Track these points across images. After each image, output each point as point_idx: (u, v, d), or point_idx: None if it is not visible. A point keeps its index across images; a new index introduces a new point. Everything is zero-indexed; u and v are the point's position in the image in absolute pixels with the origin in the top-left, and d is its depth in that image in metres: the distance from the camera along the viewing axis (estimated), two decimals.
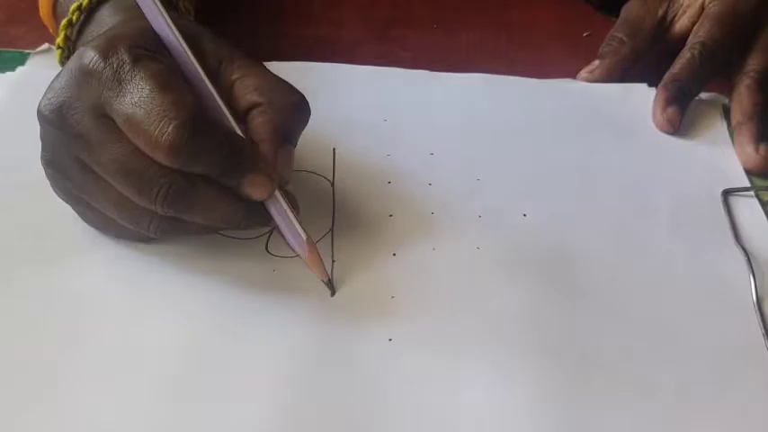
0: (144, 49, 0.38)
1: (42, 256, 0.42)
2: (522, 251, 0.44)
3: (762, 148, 0.50)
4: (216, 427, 0.35)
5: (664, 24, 0.57)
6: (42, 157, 0.40)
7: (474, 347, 0.39)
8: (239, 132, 0.39)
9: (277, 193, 0.39)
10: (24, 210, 0.44)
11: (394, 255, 0.43)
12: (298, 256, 0.41)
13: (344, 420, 0.36)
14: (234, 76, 0.40)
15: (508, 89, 0.55)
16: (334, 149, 0.49)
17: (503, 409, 0.36)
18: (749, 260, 0.44)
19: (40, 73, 0.44)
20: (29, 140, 0.40)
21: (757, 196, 0.48)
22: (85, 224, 0.42)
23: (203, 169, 0.37)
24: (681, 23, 0.56)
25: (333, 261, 0.43)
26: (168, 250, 0.42)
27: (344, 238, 0.44)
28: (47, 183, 0.40)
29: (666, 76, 0.53)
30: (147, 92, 0.36)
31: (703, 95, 0.54)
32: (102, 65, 0.37)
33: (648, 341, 0.40)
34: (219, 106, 0.39)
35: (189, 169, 0.37)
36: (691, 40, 0.53)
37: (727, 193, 0.48)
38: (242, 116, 0.40)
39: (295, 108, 0.40)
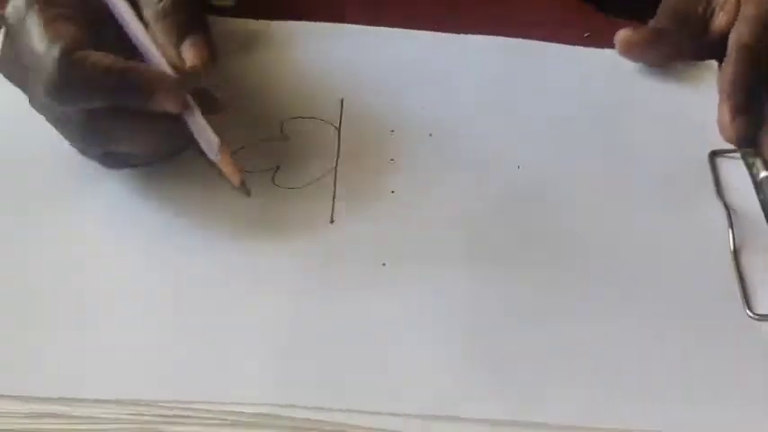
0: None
1: (52, 193, 0.45)
2: (514, 199, 0.46)
3: None
4: (219, 344, 0.38)
5: (702, 21, 0.55)
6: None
7: (461, 276, 0.42)
8: (165, 65, 0.42)
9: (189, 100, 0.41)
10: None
11: (392, 192, 0.46)
12: (302, 187, 0.44)
13: (340, 338, 0.39)
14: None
15: (510, 50, 0.57)
16: (342, 100, 0.52)
17: (482, 336, 0.39)
18: (729, 214, 0.46)
19: None
20: None
21: (743, 158, 0.50)
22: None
23: (97, 103, 0.39)
24: (720, 20, 0.55)
25: (334, 197, 0.45)
26: (171, 184, 0.45)
27: (346, 177, 0.47)
28: None
29: (725, 86, 0.51)
30: (34, 40, 0.39)
31: (699, 62, 0.56)
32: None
33: (630, 284, 0.42)
34: (137, 36, 0.42)
35: (86, 107, 0.39)
36: (734, 43, 0.53)
37: (714, 155, 0.50)
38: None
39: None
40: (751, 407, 0.37)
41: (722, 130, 0.51)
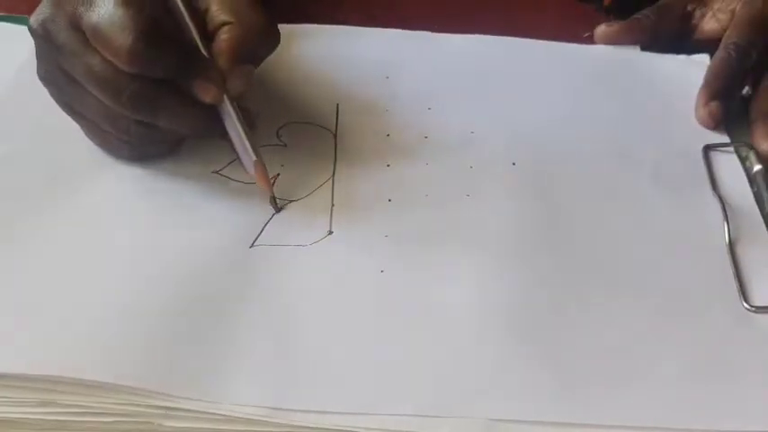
0: None
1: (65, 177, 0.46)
2: (509, 195, 0.47)
3: None
4: (219, 346, 0.38)
5: (691, 20, 0.59)
6: (37, 73, 0.45)
7: (460, 279, 0.42)
8: (201, 47, 0.44)
9: (230, 106, 0.44)
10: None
11: (389, 200, 0.46)
12: (300, 199, 0.45)
13: (339, 342, 0.39)
14: None
15: (504, 49, 0.58)
16: (337, 105, 0.52)
17: (481, 335, 0.39)
18: (724, 208, 0.46)
19: None
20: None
21: (736, 151, 0.51)
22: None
23: (160, 73, 0.42)
24: (710, 26, 0.58)
25: (332, 205, 0.46)
26: (173, 186, 0.46)
27: (344, 185, 0.47)
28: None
29: (707, 75, 0.55)
30: (110, 7, 0.41)
31: (693, 56, 0.57)
32: None
33: (626, 278, 0.43)
34: (187, 23, 0.44)
35: (148, 74, 0.42)
36: (724, 41, 0.55)
37: (707, 148, 0.51)
38: (213, 34, 0.45)
39: (261, 30, 0.45)
40: (748, 398, 0.38)
41: (696, 113, 0.53)
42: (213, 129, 0.44)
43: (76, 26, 0.42)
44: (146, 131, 0.44)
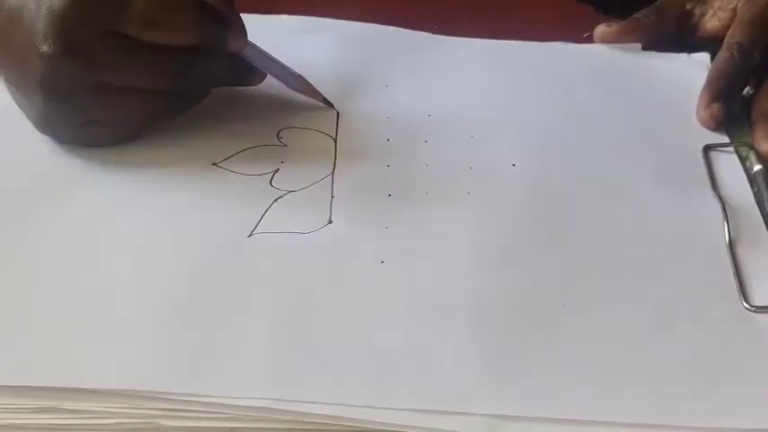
0: None
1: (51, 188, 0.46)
2: (509, 195, 0.47)
3: None
4: (218, 339, 0.38)
5: (690, 18, 0.59)
6: (48, 99, 0.43)
7: (461, 275, 0.42)
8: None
9: (253, 45, 0.48)
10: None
11: (389, 195, 0.46)
12: (299, 190, 0.45)
13: (339, 331, 0.39)
14: None
15: (504, 52, 0.58)
16: (337, 112, 0.52)
17: (481, 331, 0.39)
18: (724, 207, 0.46)
19: None
20: None
21: (736, 151, 0.51)
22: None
23: (214, 40, 0.45)
24: (711, 24, 0.58)
25: (332, 196, 0.46)
26: (170, 182, 0.46)
27: (344, 182, 0.47)
28: None
29: (709, 75, 0.54)
30: None
31: (694, 55, 0.57)
32: None
33: (626, 277, 0.43)
34: None
35: (205, 43, 0.44)
36: (727, 41, 0.55)
37: (708, 148, 0.51)
38: None
39: None
40: (747, 398, 0.37)
41: (697, 114, 0.53)
42: (242, 74, 0.49)
43: (112, 33, 0.42)
44: (181, 100, 0.47)
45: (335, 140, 0.50)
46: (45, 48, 0.41)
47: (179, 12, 0.43)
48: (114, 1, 0.41)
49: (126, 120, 0.46)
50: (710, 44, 0.57)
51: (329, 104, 0.51)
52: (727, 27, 0.56)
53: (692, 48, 0.58)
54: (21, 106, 0.46)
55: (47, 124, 0.45)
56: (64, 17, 0.41)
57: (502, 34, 0.61)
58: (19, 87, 0.44)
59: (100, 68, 0.42)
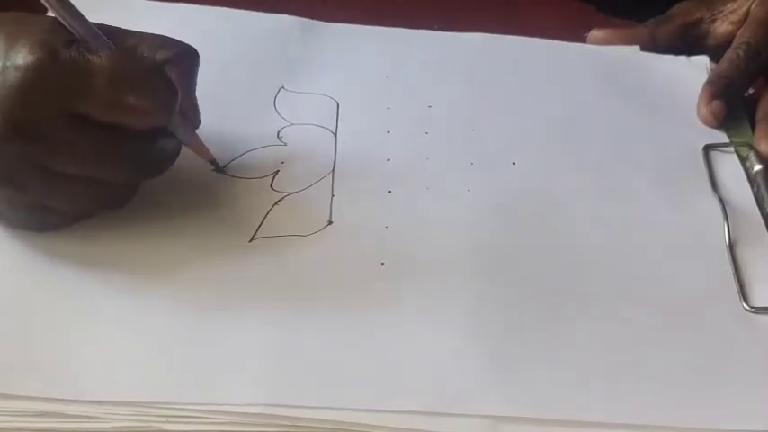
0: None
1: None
2: (508, 194, 0.47)
3: None
4: (219, 344, 0.38)
5: (701, 24, 0.58)
6: None
7: (461, 275, 0.42)
8: None
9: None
10: None
11: (389, 192, 0.46)
12: (300, 191, 0.45)
13: (338, 336, 0.39)
14: (132, 39, 0.41)
15: (505, 47, 0.58)
16: (337, 104, 0.52)
17: (482, 332, 0.39)
18: (724, 208, 0.46)
19: None
20: None
21: (736, 151, 0.51)
22: None
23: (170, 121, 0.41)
24: (723, 28, 0.58)
25: (332, 195, 0.46)
26: (174, 187, 0.45)
27: (344, 178, 0.47)
28: None
29: (711, 74, 0.55)
30: (120, 72, 0.38)
31: (693, 58, 0.57)
32: (51, 67, 0.37)
33: (626, 277, 0.43)
34: None
35: (168, 123, 0.41)
36: (736, 41, 0.55)
37: (708, 148, 0.51)
38: None
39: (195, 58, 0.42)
40: (748, 399, 0.37)
41: (698, 111, 0.53)
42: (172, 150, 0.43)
43: (70, 113, 0.38)
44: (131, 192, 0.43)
45: (335, 135, 0.50)
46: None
47: (148, 91, 0.39)
48: (78, 80, 0.38)
49: (74, 209, 0.42)
50: (718, 52, 0.56)
51: (217, 166, 0.46)
52: (738, 30, 0.56)
53: (691, 52, 0.58)
54: None
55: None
56: (20, 95, 0.37)
57: (502, 33, 0.60)
58: None
59: (50, 152, 0.38)
